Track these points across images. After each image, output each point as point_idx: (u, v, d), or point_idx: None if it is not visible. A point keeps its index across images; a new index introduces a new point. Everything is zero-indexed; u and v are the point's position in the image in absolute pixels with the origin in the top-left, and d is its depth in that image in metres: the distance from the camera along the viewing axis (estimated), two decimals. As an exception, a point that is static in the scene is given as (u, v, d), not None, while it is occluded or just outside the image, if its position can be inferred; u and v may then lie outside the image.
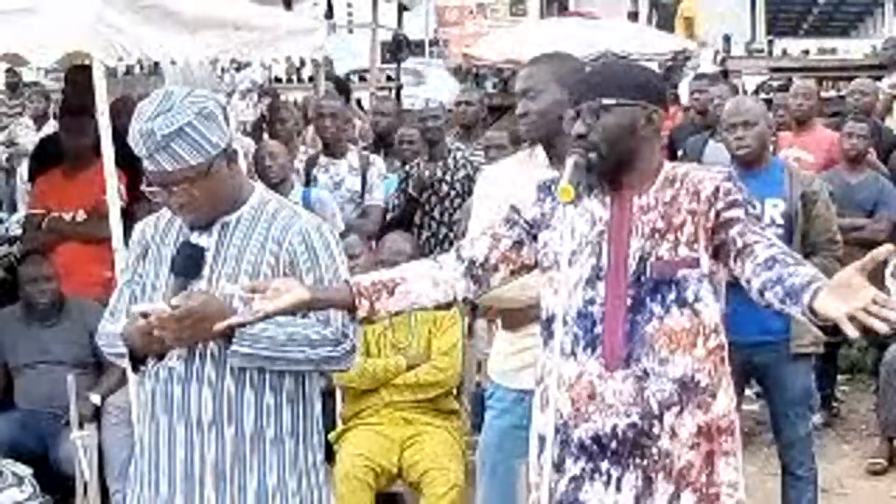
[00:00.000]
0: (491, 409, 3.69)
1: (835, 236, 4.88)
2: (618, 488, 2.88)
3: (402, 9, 17.61)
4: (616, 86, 2.90)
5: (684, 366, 2.84)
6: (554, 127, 3.43)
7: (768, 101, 8.88)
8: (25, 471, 5.15)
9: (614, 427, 2.86)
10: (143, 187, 3.00)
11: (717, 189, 2.85)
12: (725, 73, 12.95)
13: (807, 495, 4.84)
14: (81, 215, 6.06)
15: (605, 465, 2.88)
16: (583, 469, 2.90)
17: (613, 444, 2.87)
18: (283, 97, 14.98)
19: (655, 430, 2.85)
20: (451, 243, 6.25)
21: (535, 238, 3.01)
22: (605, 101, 2.87)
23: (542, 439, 2.97)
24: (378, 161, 7.05)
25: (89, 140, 5.89)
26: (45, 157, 6.63)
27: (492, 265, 3.01)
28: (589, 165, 2.88)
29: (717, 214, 2.83)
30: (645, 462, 2.86)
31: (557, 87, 3.42)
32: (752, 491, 4.14)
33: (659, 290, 2.84)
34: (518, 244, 3.02)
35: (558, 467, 2.91)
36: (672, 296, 2.84)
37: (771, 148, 7.16)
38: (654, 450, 2.86)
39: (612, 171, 2.91)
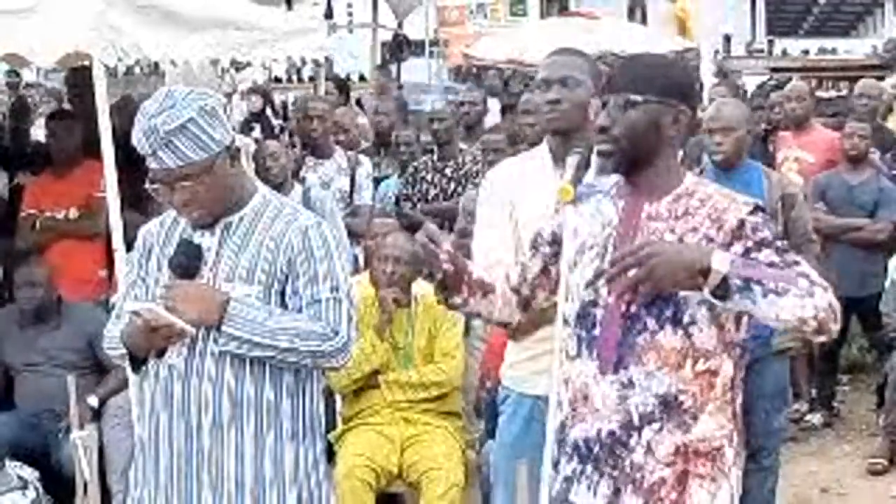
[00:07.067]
0: (504, 414, 3.68)
1: (811, 235, 5.05)
2: (595, 494, 2.88)
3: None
4: (646, 82, 2.84)
5: (668, 384, 2.80)
6: (579, 121, 3.39)
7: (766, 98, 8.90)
8: (32, 474, 5.15)
9: (599, 431, 2.86)
10: (147, 185, 3.01)
11: (742, 223, 2.78)
12: (726, 73, 12.97)
13: (769, 483, 4.89)
14: (74, 213, 6.12)
15: (589, 468, 2.89)
16: (573, 470, 2.91)
17: (596, 449, 2.87)
18: (283, 96, 15.03)
19: (632, 441, 2.83)
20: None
21: (558, 254, 2.98)
22: (633, 98, 2.83)
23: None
24: (366, 161, 7.10)
25: (75, 141, 6.19)
26: (37, 162, 6.70)
27: (528, 294, 3.08)
28: (609, 157, 2.86)
29: (746, 251, 2.76)
30: (616, 473, 2.85)
31: (591, 84, 3.40)
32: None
33: (656, 305, 2.80)
34: (544, 270, 3.04)
35: (555, 466, 2.92)
36: (668, 313, 2.80)
37: (760, 150, 7.21)
38: (627, 462, 2.84)
39: (629, 167, 2.88)
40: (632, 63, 3.01)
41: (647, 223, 2.84)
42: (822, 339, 2.78)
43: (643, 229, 2.84)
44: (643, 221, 2.85)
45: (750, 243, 2.77)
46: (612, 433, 2.84)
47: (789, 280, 2.70)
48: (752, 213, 2.81)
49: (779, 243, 2.80)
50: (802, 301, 2.68)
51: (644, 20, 19.26)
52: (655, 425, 2.82)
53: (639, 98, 2.83)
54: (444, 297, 3.00)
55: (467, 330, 5.39)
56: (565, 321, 2.90)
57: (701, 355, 2.81)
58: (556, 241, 3.00)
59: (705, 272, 2.66)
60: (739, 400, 2.91)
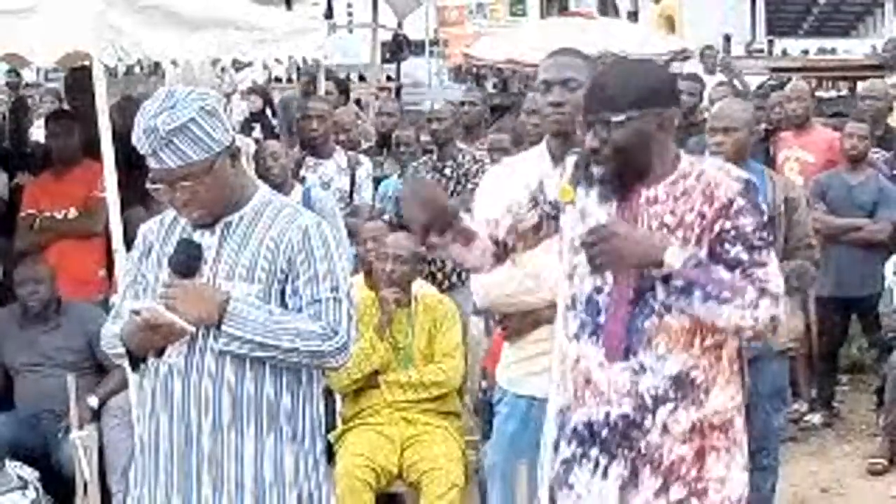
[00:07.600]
0: (499, 414, 3.69)
1: (812, 241, 4.99)
2: (604, 476, 2.89)
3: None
4: (627, 98, 2.81)
5: (681, 363, 2.84)
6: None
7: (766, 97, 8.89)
8: (32, 474, 5.14)
9: (607, 415, 2.87)
10: (148, 185, 3.01)
11: (730, 202, 2.81)
12: (732, 73, 12.92)
13: (769, 482, 4.90)
14: (73, 213, 6.12)
15: (594, 451, 2.90)
16: (573, 453, 2.92)
17: (604, 433, 2.88)
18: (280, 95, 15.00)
19: (647, 423, 2.85)
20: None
21: (556, 218, 3.01)
22: (615, 118, 2.80)
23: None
24: (366, 161, 7.10)
25: (75, 141, 6.18)
26: (37, 162, 6.69)
27: (510, 245, 3.09)
28: (602, 177, 2.87)
29: (720, 234, 2.80)
30: (633, 454, 2.87)
31: None
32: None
33: (662, 287, 2.82)
34: (536, 226, 3.05)
35: (555, 448, 2.93)
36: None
37: (759, 150, 7.20)
38: (643, 443, 2.86)
39: (626, 179, 2.88)
40: (610, 77, 2.94)
41: (647, 208, 2.87)
42: (758, 343, 2.94)
43: (642, 214, 2.87)
44: (642, 206, 2.87)
45: (728, 225, 2.79)
46: (624, 416, 2.86)
47: (736, 290, 2.76)
48: (742, 192, 2.82)
49: (754, 239, 2.81)
50: (742, 312, 2.76)
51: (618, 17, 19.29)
52: (670, 405, 2.85)
53: (621, 117, 2.81)
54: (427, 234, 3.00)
55: (488, 331, 5.39)
56: (569, 304, 2.91)
57: (708, 331, 2.85)
58: (556, 207, 3.01)
59: (658, 264, 2.75)
60: (746, 370, 2.98)
